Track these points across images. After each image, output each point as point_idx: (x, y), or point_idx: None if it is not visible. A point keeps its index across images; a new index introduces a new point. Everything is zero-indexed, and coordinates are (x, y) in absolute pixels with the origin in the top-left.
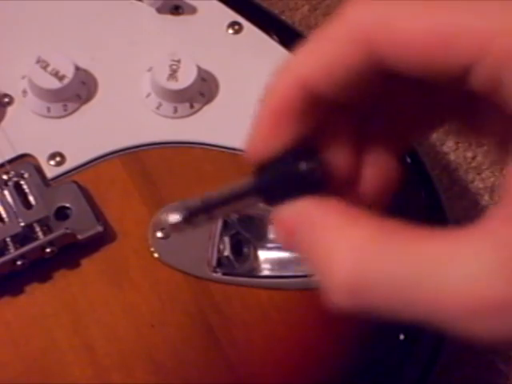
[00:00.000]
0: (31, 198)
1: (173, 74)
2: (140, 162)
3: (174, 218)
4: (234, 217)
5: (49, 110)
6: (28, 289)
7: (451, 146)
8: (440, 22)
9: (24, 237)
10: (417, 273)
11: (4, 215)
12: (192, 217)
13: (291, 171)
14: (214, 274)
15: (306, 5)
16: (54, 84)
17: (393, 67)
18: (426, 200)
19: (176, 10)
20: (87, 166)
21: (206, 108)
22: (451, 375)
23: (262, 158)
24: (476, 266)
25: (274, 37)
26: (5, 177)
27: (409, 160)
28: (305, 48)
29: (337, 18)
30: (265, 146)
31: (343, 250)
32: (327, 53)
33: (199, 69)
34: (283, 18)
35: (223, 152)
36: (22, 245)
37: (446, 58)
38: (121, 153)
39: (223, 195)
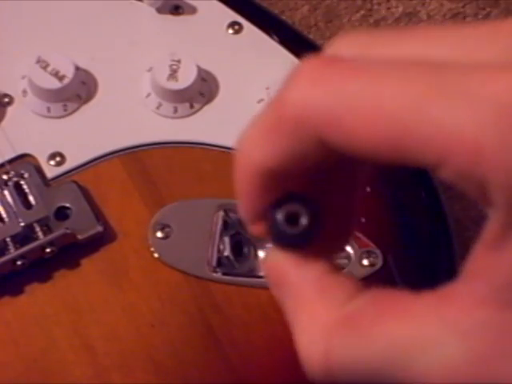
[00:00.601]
0: (31, 198)
1: (173, 74)
2: (140, 161)
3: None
4: (234, 217)
5: (49, 109)
6: (28, 289)
7: None
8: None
9: (24, 237)
10: (382, 358)
11: (4, 215)
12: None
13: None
14: (214, 274)
15: (305, 5)
16: (54, 84)
17: (344, 152)
18: (426, 200)
19: (176, 10)
20: (87, 166)
21: (205, 108)
22: None
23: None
24: (441, 353)
25: (274, 37)
26: (5, 177)
27: None
28: (254, 138)
29: (280, 101)
30: (252, 210)
31: (315, 331)
32: (277, 145)
33: (199, 69)
34: (283, 17)
35: (223, 152)
36: (22, 245)
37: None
38: (121, 153)
39: None
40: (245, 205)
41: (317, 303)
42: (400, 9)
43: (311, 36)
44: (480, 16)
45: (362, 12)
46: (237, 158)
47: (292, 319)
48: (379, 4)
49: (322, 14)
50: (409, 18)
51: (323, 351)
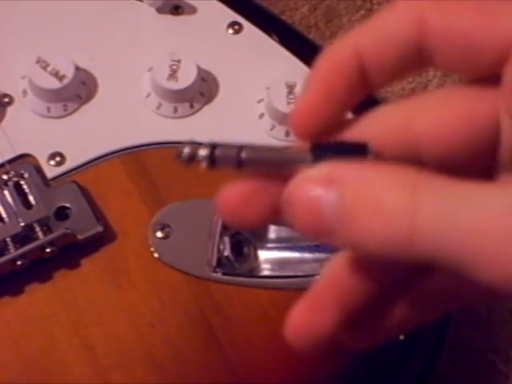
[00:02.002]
0: (31, 198)
1: (173, 74)
2: (140, 161)
3: (203, 151)
4: None
5: (49, 109)
6: (28, 289)
7: None
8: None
9: (24, 237)
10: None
11: (4, 215)
12: (218, 153)
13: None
14: (214, 274)
15: (305, 5)
16: (54, 84)
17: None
18: None
19: (176, 10)
20: (87, 166)
21: (205, 108)
22: (451, 375)
23: (309, 126)
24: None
25: (274, 37)
26: (5, 177)
27: None
28: (365, 24)
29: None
30: (315, 111)
31: (401, 187)
32: (383, 28)
33: (199, 69)
34: (283, 17)
35: None
36: (22, 245)
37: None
38: (121, 153)
39: (262, 147)
40: (313, 93)
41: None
42: None
43: (311, 36)
44: None
45: (362, 12)
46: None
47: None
48: (379, 4)
49: (322, 14)
50: None
51: (411, 210)
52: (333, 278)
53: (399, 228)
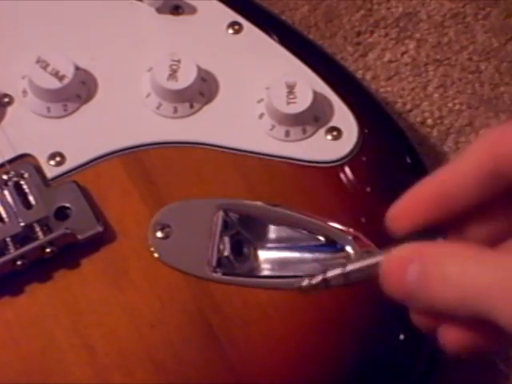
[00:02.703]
0: (31, 198)
1: (173, 74)
2: (140, 161)
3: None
4: (234, 217)
5: (49, 109)
6: (28, 289)
7: (451, 146)
8: None
9: (24, 237)
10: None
11: (4, 215)
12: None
13: None
14: (214, 274)
15: (305, 5)
16: (54, 84)
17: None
18: None
19: (176, 9)
20: (87, 165)
21: (205, 108)
22: (451, 375)
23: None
24: None
25: (274, 37)
26: (5, 177)
27: (409, 160)
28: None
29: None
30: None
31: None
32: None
33: (199, 69)
34: (283, 18)
35: (223, 152)
36: (22, 245)
37: None
38: (121, 153)
39: (363, 265)
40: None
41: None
42: (400, 9)
43: (311, 36)
44: (480, 16)
45: (362, 12)
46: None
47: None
48: (379, 4)
49: (322, 14)
50: (409, 18)
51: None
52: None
53: (456, 291)
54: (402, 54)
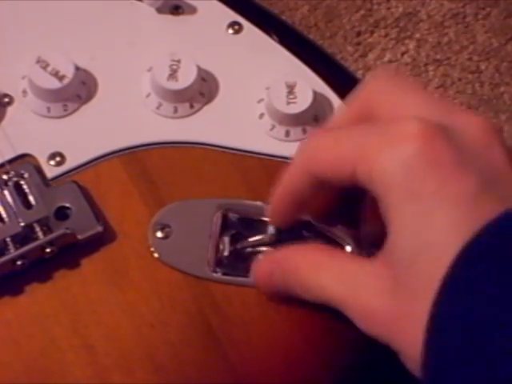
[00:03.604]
0: (31, 198)
1: (173, 74)
2: (140, 162)
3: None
4: (234, 217)
5: (49, 110)
6: (28, 289)
7: None
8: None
9: (24, 237)
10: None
11: (4, 215)
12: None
13: None
14: (214, 274)
15: (305, 5)
16: (54, 84)
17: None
18: None
19: (176, 10)
20: (87, 166)
21: (206, 108)
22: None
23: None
24: (376, 287)
25: (274, 37)
26: (5, 177)
27: None
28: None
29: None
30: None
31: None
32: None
33: (199, 69)
34: (283, 18)
35: (223, 152)
36: (22, 245)
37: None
38: (121, 153)
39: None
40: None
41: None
42: (400, 9)
43: (311, 36)
44: (480, 16)
45: (362, 12)
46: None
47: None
48: (379, 4)
49: (322, 14)
50: (409, 18)
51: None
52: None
53: (314, 294)
54: (402, 54)
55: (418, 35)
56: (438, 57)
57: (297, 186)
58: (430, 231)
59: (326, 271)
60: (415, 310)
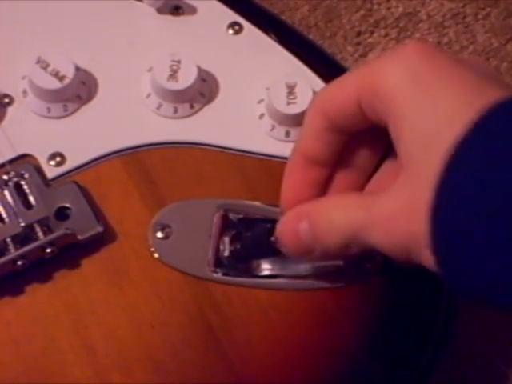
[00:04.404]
0: (31, 199)
1: (173, 75)
2: (140, 162)
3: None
4: (234, 217)
5: (49, 110)
6: (28, 289)
7: None
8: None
9: (24, 237)
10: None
11: (4, 215)
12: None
13: None
14: (214, 275)
15: (305, 5)
16: (54, 84)
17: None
18: None
19: (176, 10)
20: (87, 166)
21: (206, 108)
22: (451, 375)
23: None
24: (392, 196)
25: (274, 37)
26: (5, 177)
27: None
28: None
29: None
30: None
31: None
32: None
33: (199, 69)
34: (283, 18)
35: (223, 152)
36: (23, 245)
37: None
38: (121, 153)
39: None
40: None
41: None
42: (400, 9)
43: (311, 36)
44: (480, 16)
45: (362, 12)
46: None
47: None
48: (379, 4)
49: (322, 14)
50: (409, 18)
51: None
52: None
53: (342, 233)
54: None
55: (417, 35)
56: None
57: (313, 134)
58: (436, 115)
59: (354, 206)
60: (427, 194)
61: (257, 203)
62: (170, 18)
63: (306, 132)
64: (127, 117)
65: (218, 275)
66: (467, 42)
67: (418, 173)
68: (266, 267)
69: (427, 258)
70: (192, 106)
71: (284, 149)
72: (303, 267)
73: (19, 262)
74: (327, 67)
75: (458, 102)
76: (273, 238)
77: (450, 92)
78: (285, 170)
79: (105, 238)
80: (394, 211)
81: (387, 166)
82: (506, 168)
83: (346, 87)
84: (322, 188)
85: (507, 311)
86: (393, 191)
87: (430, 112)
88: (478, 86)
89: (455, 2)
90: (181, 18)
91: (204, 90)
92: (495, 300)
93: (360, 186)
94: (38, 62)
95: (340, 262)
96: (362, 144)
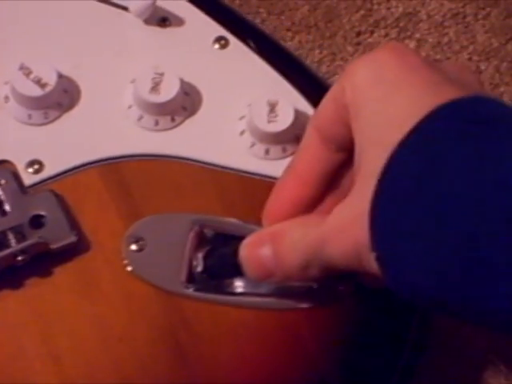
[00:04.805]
0: (6, 205)
1: (155, 87)
2: (118, 173)
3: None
4: (209, 233)
5: (30, 116)
6: None
7: None
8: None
9: None
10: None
11: None
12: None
13: None
14: (186, 290)
15: (305, 5)
16: (36, 91)
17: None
18: None
19: (163, 22)
20: (65, 174)
21: (187, 122)
22: (451, 375)
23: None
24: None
25: (260, 53)
26: None
27: None
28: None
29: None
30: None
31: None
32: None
33: (182, 82)
34: (283, 18)
35: (202, 167)
36: None
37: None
38: (100, 163)
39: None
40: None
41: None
42: (400, 9)
43: (311, 36)
44: (480, 16)
45: (362, 12)
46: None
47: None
48: (379, 4)
49: (322, 14)
50: (409, 18)
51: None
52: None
53: (304, 252)
54: None
55: (418, 35)
56: (438, 57)
57: (307, 150)
58: (388, 117)
59: (315, 225)
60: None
61: (233, 220)
62: (156, 29)
63: (301, 148)
64: (108, 127)
65: (190, 291)
66: (467, 41)
67: (365, 178)
68: (238, 285)
69: (373, 264)
70: (173, 119)
71: (263, 166)
72: (275, 287)
73: None
74: (312, 86)
75: (412, 103)
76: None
77: (407, 93)
78: (275, 184)
79: (78, 248)
80: (345, 220)
81: None
82: (439, 171)
83: (329, 94)
84: (310, 209)
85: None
86: (345, 201)
87: (383, 113)
88: (436, 88)
89: (455, 1)
90: (167, 30)
91: (186, 104)
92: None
93: None
94: (21, 68)
95: (313, 284)
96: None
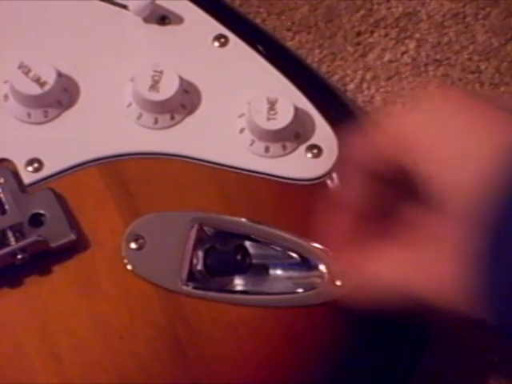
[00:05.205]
0: (6, 204)
1: (154, 85)
2: (118, 171)
3: None
4: (209, 231)
5: (29, 115)
6: None
7: None
8: None
9: None
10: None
11: None
12: None
13: None
14: (186, 288)
15: (305, 5)
16: (35, 90)
17: None
18: None
19: (163, 20)
20: (65, 173)
21: (187, 120)
22: (451, 375)
23: None
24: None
25: (261, 52)
26: None
27: None
28: None
29: None
30: None
31: None
32: None
33: (182, 80)
34: (283, 18)
35: (202, 165)
36: None
37: None
38: (99, 161)
39: None
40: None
41: None
42: (400, 9)
43: (311, 36)
44: (480, 16)
45: (362, 12)
46: None
47: None
48: (379, 4)
49: (322, 14)
50: (409, 18)
51: None
52: None
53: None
54: (402, 53)
55: (417, 35)
56: (438, 57)
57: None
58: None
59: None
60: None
61: (232, 218)
62: (156, 27)
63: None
64: (107, 125)
65: (190, 289)
66: (467, 41)
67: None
68: (238, 283)
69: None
70: (173, 117)
71: (263, 164)
72: (275, 284)
73: None
74: (312, 84)
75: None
76: (239, 257)
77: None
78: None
79: (78, 247)
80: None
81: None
82: None
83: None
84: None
85: None
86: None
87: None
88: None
89: (455, 2)
90: (167, 28)
91: (186, 102)
92: None
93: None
94: (20, 66)
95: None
96: None
